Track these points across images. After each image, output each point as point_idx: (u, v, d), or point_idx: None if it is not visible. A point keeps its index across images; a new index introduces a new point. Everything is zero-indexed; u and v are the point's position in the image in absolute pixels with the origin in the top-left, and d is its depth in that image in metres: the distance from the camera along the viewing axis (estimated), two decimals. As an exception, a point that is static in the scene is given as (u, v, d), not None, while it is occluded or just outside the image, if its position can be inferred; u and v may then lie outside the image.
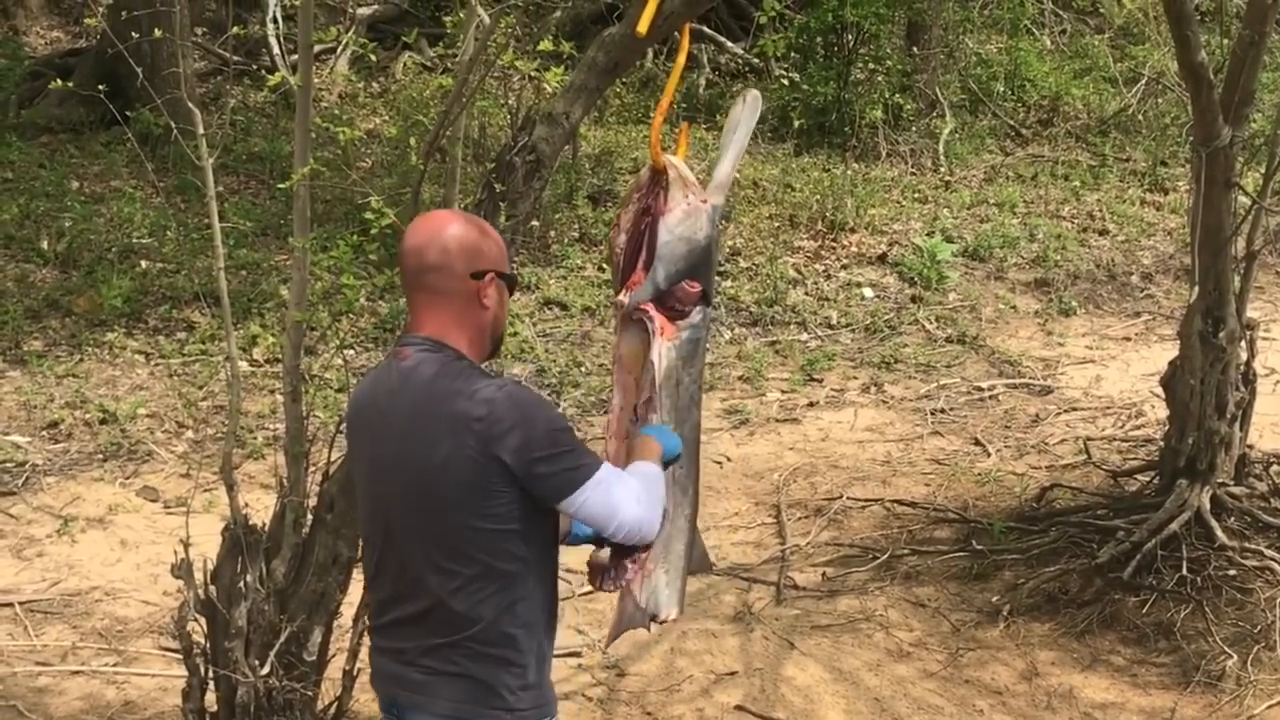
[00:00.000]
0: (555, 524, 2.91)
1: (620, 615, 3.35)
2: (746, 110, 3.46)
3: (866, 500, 6.98)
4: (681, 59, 3.54)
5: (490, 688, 2.82)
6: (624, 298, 3.24)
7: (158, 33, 4.66)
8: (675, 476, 3.28)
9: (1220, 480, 6.04)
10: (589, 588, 3.34)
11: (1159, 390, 6.42)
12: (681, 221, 3.19)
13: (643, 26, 3.29)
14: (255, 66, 12.13)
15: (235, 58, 12.45)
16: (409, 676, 2.86)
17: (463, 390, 2.76)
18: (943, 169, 12.62)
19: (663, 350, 3.21)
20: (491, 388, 2.76)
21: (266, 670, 3.96)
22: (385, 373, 2.92)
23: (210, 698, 4.12)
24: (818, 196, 11.14)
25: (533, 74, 4.07)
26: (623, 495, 2.82)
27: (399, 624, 2.88)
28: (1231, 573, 5.84)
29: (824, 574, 6.23)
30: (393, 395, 2.85)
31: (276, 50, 12.09)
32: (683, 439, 3.22)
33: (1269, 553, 5.89)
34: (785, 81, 13.13)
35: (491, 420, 2.71)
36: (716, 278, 9.61)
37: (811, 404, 8.32)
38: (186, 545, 4.06)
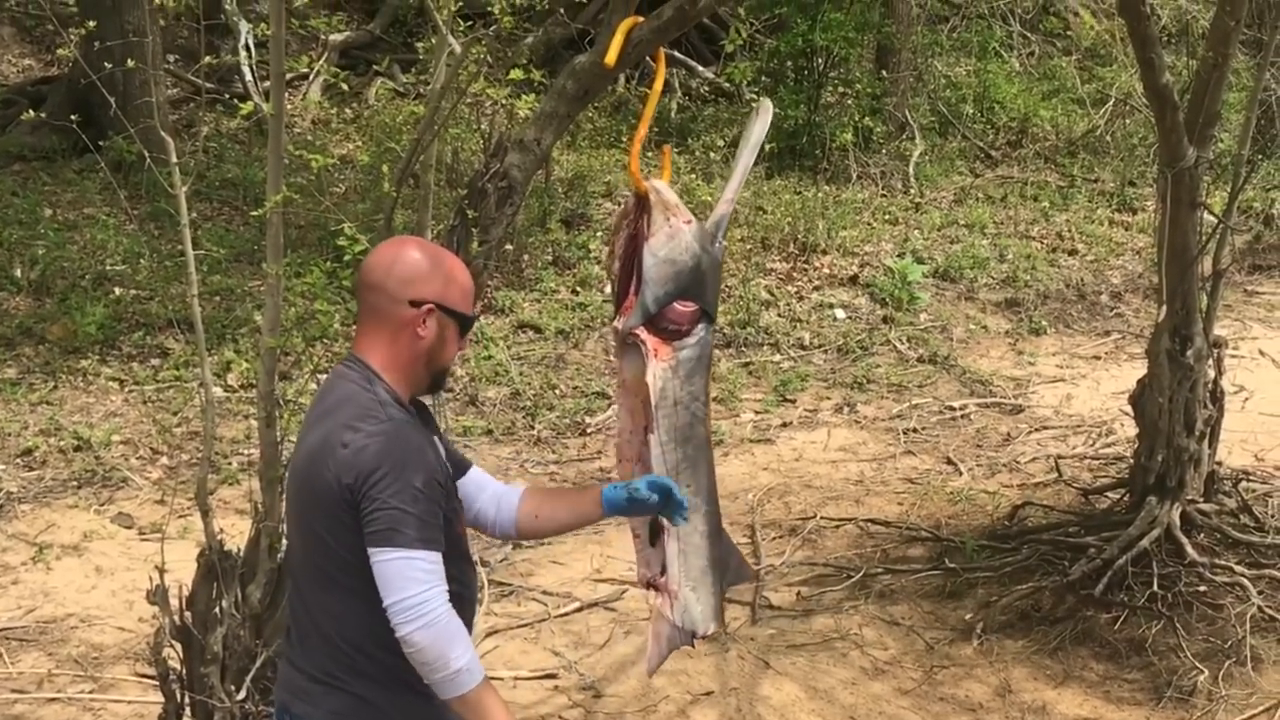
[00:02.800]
0: None
1: (657, 640, 3.36)
2: (758, 121, 3.50)
3: (840, 520, 7.01)
4: (658, 85, 3.56)
5: (368, 703, 2.85)
6: (618, 323, 3.26)
7: (130, 63, 4.67)
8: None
9: (1190, 497, 6.10)
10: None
11: (1128, 408, 6.48)
12: (664, 245, 3.20)
13: (610, 58, 3.32)
14: (228, 94, 12.13)
15: (208, 85, 12.45)
16: (298, 683, 2.93)
17: (350, 418, 2.78)
18: (913, 191, 12.70)
19: (657, 372, 3.21)
20: (376, 424, 2.76)
21: (243, 695, 3.97)
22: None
23: (187, 723, 4.13)
24: (789, 219, 11.20)
25: (504, 101, 4.10)
26: (416, 587, 2.71)
27: (297, 636, 2.97)
28: (1202, 589, 5.89)
29: (799, 593, 6.25)
30: (311, 416, 2.94)
31: (249, 77, 12.10)
32: (687, 457, 3.25)
33: (1239, 568, 5.95)
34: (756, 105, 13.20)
35: (356, 449, 2.73)
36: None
37: (785, 424, 8.36)
38: (162, 571, 4.07)
